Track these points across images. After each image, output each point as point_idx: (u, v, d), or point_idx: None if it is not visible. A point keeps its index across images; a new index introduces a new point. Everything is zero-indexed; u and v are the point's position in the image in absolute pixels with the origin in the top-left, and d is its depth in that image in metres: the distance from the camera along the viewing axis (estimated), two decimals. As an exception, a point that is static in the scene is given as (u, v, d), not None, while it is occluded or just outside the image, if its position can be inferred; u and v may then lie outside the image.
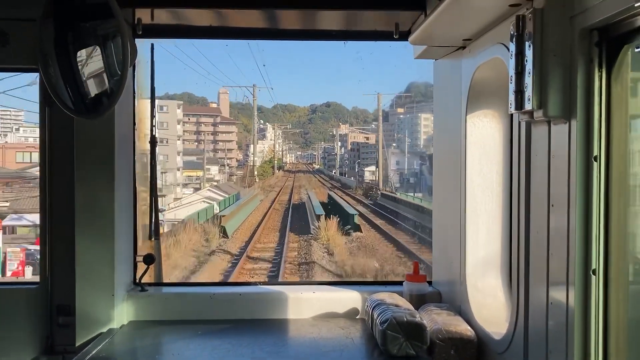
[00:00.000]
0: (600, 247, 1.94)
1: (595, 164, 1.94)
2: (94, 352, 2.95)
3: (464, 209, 3.18)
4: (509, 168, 3.06)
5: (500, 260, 3.12)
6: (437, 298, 3.57)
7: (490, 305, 3.08)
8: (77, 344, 3.29)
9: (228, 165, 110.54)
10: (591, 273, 1.94)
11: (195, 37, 3.85)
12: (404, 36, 3.48)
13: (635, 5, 1.62)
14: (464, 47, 3.21)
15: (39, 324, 3.45)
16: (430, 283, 3.71)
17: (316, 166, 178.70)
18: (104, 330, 3.30)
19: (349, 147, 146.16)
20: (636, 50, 1.84)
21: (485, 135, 3.13)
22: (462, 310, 3.20)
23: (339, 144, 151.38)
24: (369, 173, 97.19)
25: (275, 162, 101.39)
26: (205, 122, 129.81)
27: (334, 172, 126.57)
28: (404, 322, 2.84)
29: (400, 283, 3.63)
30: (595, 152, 1.94)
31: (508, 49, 2.48)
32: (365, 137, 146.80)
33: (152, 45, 3.77)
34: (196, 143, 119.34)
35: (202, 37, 3.83)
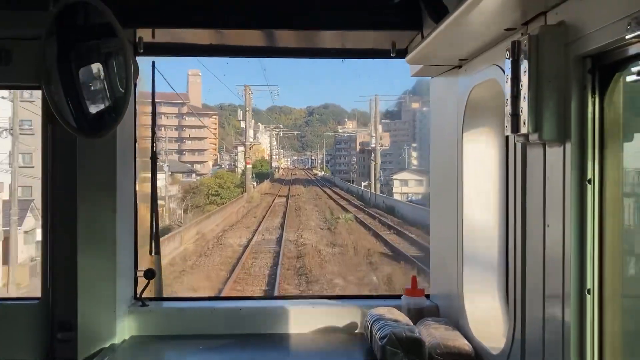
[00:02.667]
0: (595, 267, 2.00)
1: (589, 187, 2.00)
2: None
3: (461, 225, 3.24)
4: (505, 185, 3.12)
5: (497, 275, 3.17)
6: (435, 312, 3.62)
7: (487, 321, 3.13)
8: (79, 359, 3.31)
9: (196, 173, 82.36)
10: (586, 292, 2.00)
11: (195, 55, 3.92)
12: (400, 54, 3.55)
13: (626, 37, 1.68)
14: (460, 66, 3.27)
15: (40, 340, 3.48)
16: (427, 297, 3.76)
17: (319, 172, 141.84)
18: (106, 345, 3.33)
19: (357, 148, 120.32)
20: (627, 80, 1.90)
21: (481, 153, 3.19)
22: (459, 325, 3.25)
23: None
24: (400, 183, 71.39)
25: (249, 172, 56.83)
26: (168, 112, 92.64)
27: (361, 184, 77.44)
28: (403, 337, 2.89)
29: (398, 297, 3.68)
30: (590, 175, 1.99)
31: (503, 71, 2.55)
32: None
33: (153, 62, 3.82)
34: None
35: (202, 55, 3.91)
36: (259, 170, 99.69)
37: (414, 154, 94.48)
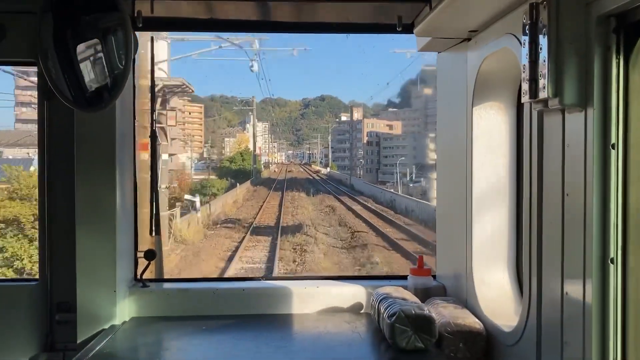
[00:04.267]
0: (618, 235, 1.92)
1: (612, 152, 1.92)
2: (97, 348, 2.90)
3: (470, 202, 3.16)
4: (516, 159, 3.05)
5: (507, 252, 3.10)
6: (442, 292, 3.55)
7: (497, 298, 3.06)
8: (79, 341, 3.24)
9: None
10: (609, 262, 1.93)
11: (194, 30, 3.83)
12: (407, 29, 3.45)
13: None
14: (468, 40, 3.19)
15: (39, 321, 3.40)
16: (434, 277, 3.69)
17: (322, 169, 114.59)
18: (106, 327, 3.25)
19: (365, 139, 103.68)
20: None
21: (491, 127, 3.12)
22: (468, 304, 3.18)
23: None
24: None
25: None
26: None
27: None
28: (412, 315, 2.82)
29: (404, 277, 3.61)
30: (613, 140, 1.92)
31: (518, 39, 2.46)
32: (387, 126, 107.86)
33: (152, 38, 3.72)
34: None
35: (201, 30, 3.82)
36: (239, 167, 76.75)
37: (432, 145, 71.33)
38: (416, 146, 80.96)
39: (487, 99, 3.10)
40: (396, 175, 70.95)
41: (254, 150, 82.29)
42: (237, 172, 71.78)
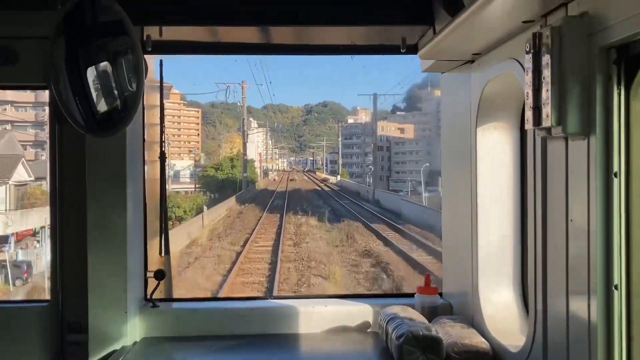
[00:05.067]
0: (622, 262, 1.96)
1: (615, 180, 1.96)
2: None
3: (475, 221, 3.20)
4: (520, 181, 3.09)
5: (512, 271, 3.13)
6: (449, 310, 3.58)
7: (503, 316, 3.10)
8: None
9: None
10: (613, 288, 1.96)
11: (200, 52, 3.87)
12: (411, 49, 3.51)
13: None
14: (472, 61, 3.24)
15: (50, 342, 3.44)
16: (440, 295, 3.72)
17: (330, 177, 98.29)
18: (117, 347, 3.29)
19: (374, 144, 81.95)
20: None
21: (495, 148, 3.16)
22: (474, 322, 3.21)
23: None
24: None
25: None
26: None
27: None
28: (420, 336, 2.86)
29: (411, 295, 3.64)
30: (615, 169, 1.96)
31: (520, 64, 2.51)
32: (398, 129, 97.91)
33: (161, 61, 3.79)
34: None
35: (207, 52, 3.87)
36: (226, 175, 59.66)
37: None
38: (430, 151, 74.11)
39: (491, 119, 3.14)
40: (409, 183, 62.42)
41: (244, 151, 59.47)
42: (224, 183, 55.95)
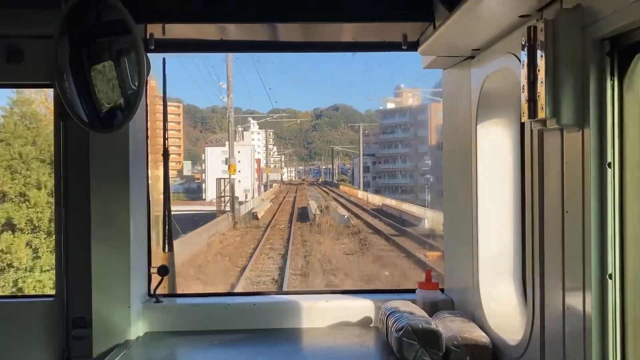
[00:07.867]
0: (615, 252, 1.97)
1: (609, 171, 1.97)
2: None
3: (475, 217, 3.21)
4: (520, 175, 3.10)
5: (513, 266, 3.14)
6: (450, 305, 3.59)
7: (504, 312, 3.10)
8: (94, 355, 3.32)
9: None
10: (607, 277, 1.97)
11: (204, 50, 3.92)
12: (412, 46, 3.53)
13: None
14: (472, 57, 3.25)
15: (55, 337, 3.49)
16: (442, 290, 3.74)
17: (370, 195, 60.15)
18: (121, 342, 3.33)
19: (432, 139, 63.74)
20: None
21: (496, 143, 3.17)
22: (475, 317, 3.22)
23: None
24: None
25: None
26: None
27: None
28: (419, 329, 2.87)
29: (412, 291, 3.66)
30: (609, 159, 1.97)
31: (518, 59, 2.53)
32: None
33: (164, 59, 3.83)
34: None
35: (211, 50, 3.91)
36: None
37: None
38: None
39: (491, 115, 3.16)
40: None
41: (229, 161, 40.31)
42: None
